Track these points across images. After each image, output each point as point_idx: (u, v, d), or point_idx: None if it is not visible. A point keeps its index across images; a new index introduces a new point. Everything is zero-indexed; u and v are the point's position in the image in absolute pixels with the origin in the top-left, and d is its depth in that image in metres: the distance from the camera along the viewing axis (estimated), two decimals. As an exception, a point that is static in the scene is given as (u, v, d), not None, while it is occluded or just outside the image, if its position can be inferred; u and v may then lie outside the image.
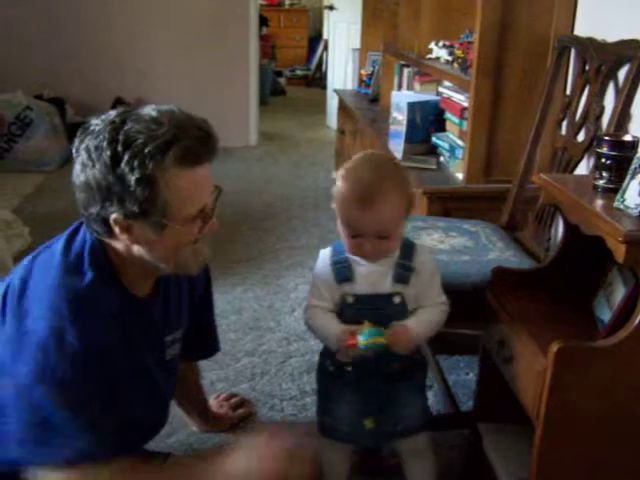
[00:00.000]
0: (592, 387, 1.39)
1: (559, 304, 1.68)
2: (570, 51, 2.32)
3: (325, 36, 8.61)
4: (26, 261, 1.37)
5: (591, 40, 2.17)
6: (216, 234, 1.43)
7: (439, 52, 3.24)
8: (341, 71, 6.38)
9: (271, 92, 8.34)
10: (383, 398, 1.67)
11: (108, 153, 1.21)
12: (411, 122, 3.05)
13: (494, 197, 2.51)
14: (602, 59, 2.10)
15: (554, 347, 1.34)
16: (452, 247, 2.13)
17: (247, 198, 4.64)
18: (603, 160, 1.52)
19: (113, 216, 1.25)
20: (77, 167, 1.27)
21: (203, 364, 2.49)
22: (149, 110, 1.27)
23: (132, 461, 1.32)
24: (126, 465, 1.31)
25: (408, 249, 1.64)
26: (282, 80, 9.13)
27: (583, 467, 1.45)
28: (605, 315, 1.59)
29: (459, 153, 2.75)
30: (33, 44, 5.43)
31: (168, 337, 1.53)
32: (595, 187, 1.54)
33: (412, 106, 3.05)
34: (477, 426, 1.87)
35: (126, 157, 1.20)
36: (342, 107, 4.81)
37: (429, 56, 3.35)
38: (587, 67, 2.18)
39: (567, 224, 1.70)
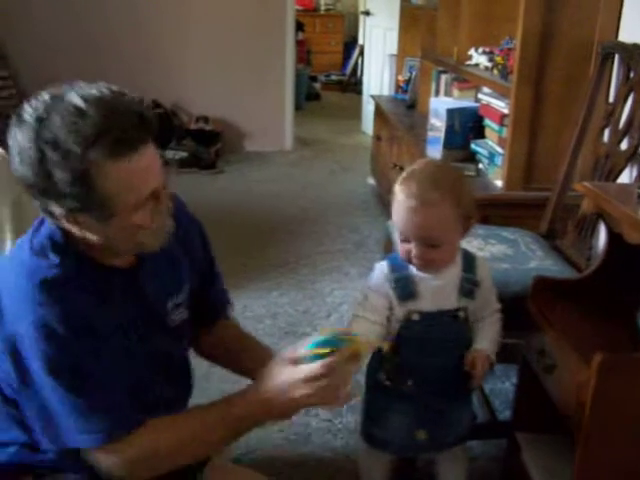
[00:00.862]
0: (636, 398, 1.37)
1: (602, 314, 1.66)
2: (614, 57, 2.29)
3: (360, 41, 8.63)
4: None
5: (636, 46, 2.14)
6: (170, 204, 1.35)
7: (479, 58, 3.22)
8: (377, 77, 6.37)
9: (306, 97, 8.36)
10: (438, 410, 1.66)
11: (35, 155, 1.15)
12: (450, 128, 3.04)
13: (533, 205, 2.49)
14: (648, 66, 2.07)
15: (597, 358, 1.32)
16: (492, 255, 2.11)
17: (283, 203, 4.66)
18: (649, 169, 1.50)
19: (56, 212, 1.22)
20: (13, 159, 1.20)
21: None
22: (75, 98, 1.17)
23: (167, 418, 1.35)
24: (165, 421, 1.34)
25: (470, 262, 1.62)
26: (317, 85, 9.14)
27: (626, 480, 1.43)
28: (650, 326, 1.56)
29: (498, 160, 2.73)
30: (73, 49, 5.51)
31: (169, 303, 1.48)
32: (640, 196, 1.52)
33: (451, 112, 3.04)
34: (515, 436, 1.85)
35: (54, 158, 1.15)
36: (379, 113, 4.81)
37: (468, 62, 3.33)
38: (632, 74, 2.15)
39: (610, 233, 1.68)
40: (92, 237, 1.27)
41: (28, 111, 1.18)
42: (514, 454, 1.84)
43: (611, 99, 2.31)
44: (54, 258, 1.27)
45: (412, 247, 1.52)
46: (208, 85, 5.82)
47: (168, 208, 1.33)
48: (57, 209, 1.22)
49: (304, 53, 8.81)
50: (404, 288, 1.59)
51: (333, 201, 4.73)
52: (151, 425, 1.32)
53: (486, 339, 1.63)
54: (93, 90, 1.20)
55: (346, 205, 4.64)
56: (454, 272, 1.59)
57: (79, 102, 1.17)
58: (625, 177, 2.17)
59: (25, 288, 1.25)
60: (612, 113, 2.23)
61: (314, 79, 9.12)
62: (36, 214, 1.32)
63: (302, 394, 1.34)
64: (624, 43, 2.24)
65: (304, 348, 1.37)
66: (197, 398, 2.35)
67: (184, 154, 5.39)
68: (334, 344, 1.34)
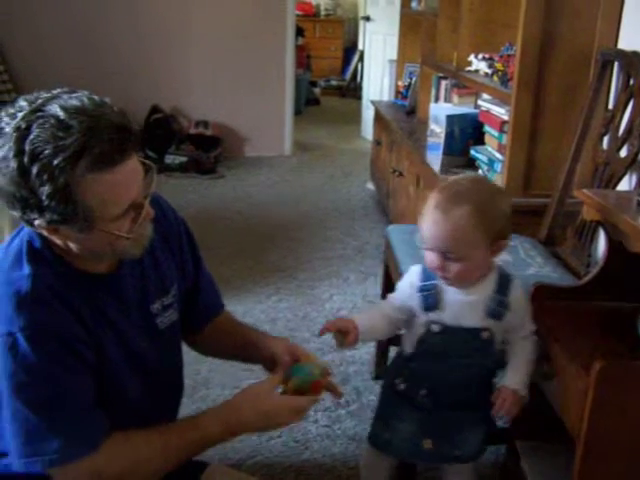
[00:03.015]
0: (636, 406, 1.37)
1: (601, 321, 1.66)
2: (613, 65, 2.30)
3: (360, 47, 8.65)
4: None
5: (636, 54, 2.14)
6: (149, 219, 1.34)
7: (478, 65, 3.23)
8: (377, 82, 6.38)
9: (306, 102, 8.38)
10: (448, 424, 1.65)
11: (15, 166, 1.13)
12: (449, 135, 3.04)
13: (533, 211, 2.49)
14: (647, 74, 2.07)
15: (597, 365, 1.32)
16: (491, 261, 2.11)
17: (282, 208, 4.67)
18: (649, 176, 1.50)
19: (36, 222, 1.21)
20: None
21: (238, 373, 2.50)
22: (56, 109, 1.15)
23: (126, 434, 1.33)
24: (124, 442, 1.32)
25: (504, 283, 1.59)
26: (317, 90, 9.16)
27: (626, 488, 1.43)
28: (649, 333, 1.56)
29: (498, 167, 2.73)
30: (74, 54, 5.52)
31: (154, 305, 1.47)
32: (639, 203, 1.52)
33: (451, 118, 3.04)
34: (514, 443, 1.85)
35: (34, 171, 1.12)
36: (378, 118, 4.81)
37: (468, 68, 3.34)
38: (631, 81, 2.16)
39: (610, 240, 1.68)
40: (72, 246, 1.27)
41: (6, 120, 1.16)
42: (513, 461, 1.84)
43: (610, 106, 2.31)
44: (27, 268, 1.26)
45: (433, 257, 1.51)
46: (208, 90, 5.83)
47: (149, 215, 1.32)
48: (37, 220, 1.20)
49: (304, 58, 8.82)
50: (427, 297, 1.57)
51: (332, 206, 4.73)
52: (107, 447, 1.29)
53: (515, 372, 1.60)
54: (74, 100, 1.18)
55: (345, 210, 4.65)
56: (484, 291, 1.56)
57: (61, 114, 1.15)
58: (625, 184, 2.17)
59: None
60: (611, 120, 2.23)
61: (314, 84, 9.14)
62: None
63: (285, 421, 1.42)
64: (623, 51, 2.25)
65: (298, 374, 1.47)
66: (197, 404, 2.36)
67: (183, 159, 5.39)
68: (308, 373, 1.48)
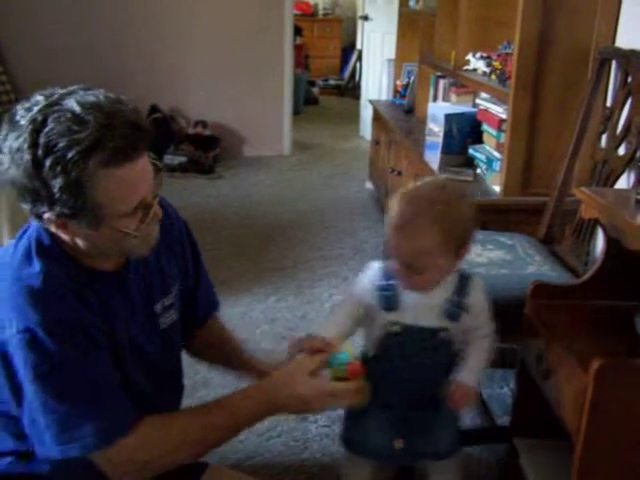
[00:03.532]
0: (634, 404, 1.37)
1: (599, 320, 1.66)
2: (611, 63, 2.30)
3: (359, 46, 8.64)
4: None
5: (633, 52, 2.15)
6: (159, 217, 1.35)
7: (476, 63, 3.23)
8: (375, 81, 6.38)
9: (304, 102, 8.37)
10: (416, 423, 1.63)
11: (29, 158, 1.14)
12: (448, 133, 3.04)
13: (531, 210, 2.49)
14: (645, 71, 2.07)
15: (595, 363, 1.32)
16: (490, 260, 2.11)
17: (281, 207, 4.66)
18: (647, 174, 1.50)
19: (45, 216, 1.22)
20: (3, 163, 1.19)
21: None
22: (72, 104, 1.16)
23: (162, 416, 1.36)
24: (160, 423, 1.35)
25: (464, 284, 1.56)
26: (315, 90, 9.15)
27: (625, 486, 1.43)
28: (647, 331, 1.56)
29: (496, 165, 2.73)
30: (73, 53, 5.50)
31: (157, 305, 1.48)
32: (638, 201, 1.52)
33: (449, 117, 3.04)
34: (513, 441, 1.85)
35: (48, 163, 1.14)
36: (377, 118, 4.82)
37: (466, 67, 3.34)
38: (629, 79, 2.16)
39: (608, 238, 1.68)
40: (80, 242, 1.28)
41: (21, 113, 1.17)
42: (512, 459, 1.84)
43: (608, 104, 2.32)
44: (37, 264, 1.27)
45: (398, 266, 1.47)
46: (207, 89, 5.82)
47: (157, 215, 1.33)
48: (47, 214, 1.21)
49: (302, 58, 8.82)
50: (386, 298, 1.54)
51: (331, 206, 4.73)
52: (141, 430, 1.31)
53: (469, 369, 1.58)
54: (90, 97, 1.19)
55: (344, 210, 4.65)
56: (443, 292, 1.54)
57: (77, 109, 1.16)
58: (623, 182, 2.17)
59: (9, 294, 1.25)
60: (609, 118, 2.24)
61: (312, 84, 9.13)
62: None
63: (320, 406, 1.42)
64: (621, 49, 2.25)
65: (331, 364, 1.44)
66: (196, 404, 2.35)
67: (182, 159, 5.39)
68: (342, 361, 1.44)
